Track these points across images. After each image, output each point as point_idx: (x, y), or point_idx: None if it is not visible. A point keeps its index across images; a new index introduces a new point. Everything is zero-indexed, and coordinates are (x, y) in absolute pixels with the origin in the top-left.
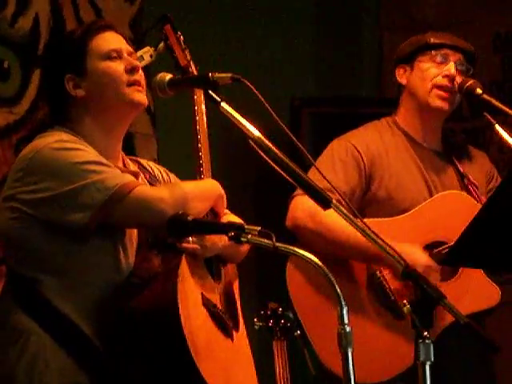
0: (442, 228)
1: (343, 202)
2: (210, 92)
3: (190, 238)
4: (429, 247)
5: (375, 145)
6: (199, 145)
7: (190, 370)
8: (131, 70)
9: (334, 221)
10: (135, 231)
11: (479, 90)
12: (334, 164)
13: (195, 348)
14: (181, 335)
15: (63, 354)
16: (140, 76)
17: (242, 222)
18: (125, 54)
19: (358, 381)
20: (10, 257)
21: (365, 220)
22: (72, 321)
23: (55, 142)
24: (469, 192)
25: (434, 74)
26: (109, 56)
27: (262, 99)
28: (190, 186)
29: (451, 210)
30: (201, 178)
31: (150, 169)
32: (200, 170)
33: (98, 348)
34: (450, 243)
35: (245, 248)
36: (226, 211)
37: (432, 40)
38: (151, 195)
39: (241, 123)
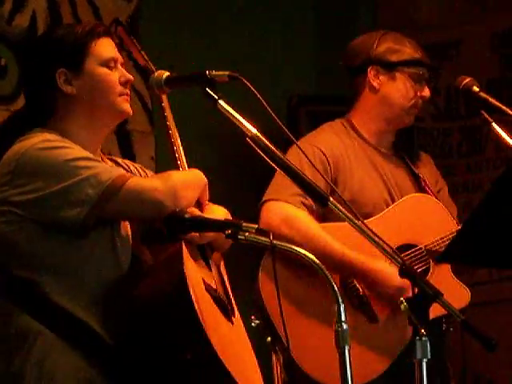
0: (410, 231)
1: (314, 206)
2: (208, 90)
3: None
4: (399, 250)
5: (338, 148)
6: (174, 147)
7: (206, 354)
8: (124, 83)
9: (308, 227)
10: (128, 224)
11: (476, 88)
12: (303, 169)
13: (210, 332)
14: (195, 319)
15: (71, 352)
16: (128, 88)
17: (226, 211)
18: (119, 65)
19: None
20: (6, 260)
21: (333, 224)
22: (78, 317)
23: (41, 141)
24: (426, 193)
25: (413, 95)
26: (107, 64)
27: (260, 97)
28: (179, 176)
29: (418, 212)
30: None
31: (126, 167)
32: (177, 163)
33: (106, 342)
34: (420, 245)
35: None
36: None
37: (419, 57)
38: (145, 186)
39: (238, 121)
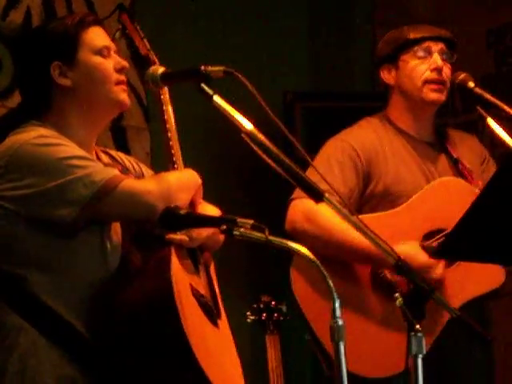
0: (439, 216)
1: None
2: (203, 85)
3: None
4: (428, 236)
5: (371, 142)
6: (170, 142)
7: (188, 361)
8: (120, 70)
9: (331, 222)
10: (118, 224)
11: (471, 84)
12: (332, 165)
13: (192, 339)
14: (179, 325)
15: (55, 350)
16: (125, 76)
17: (218, 211)
18: (112, 52)
19: (364, 374)
20: None
21: (363, 216)
22: (62, 316)
23: (36, 137)
24: (463, 177)
25: (421, 71)
26: (101, 52)
27: (255, 93)
28: (173, 178)
29: (447, 196)
30: (173, 168)
31: (120, 160)
32: (172, 160)
33: (89, 342)
34: (449, 230)
35: (222, 237)
36: (201, 200)
37: (411, 35)
38: (138, 188)
39: (233, 117)
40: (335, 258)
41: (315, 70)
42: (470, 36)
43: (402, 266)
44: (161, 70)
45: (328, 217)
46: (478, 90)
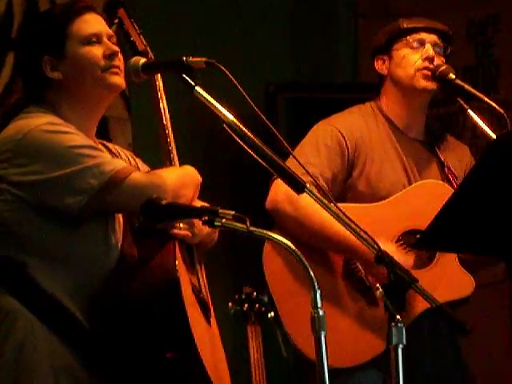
0: (419, 216)
1: (326, 187)
2: (185, 76)
3: (181, 225)
4: (405, 235)
5: (359, 130)
6: (166, 131)
7: (189, 355)
8: (110, 56)
9: (313, 208)
10: (120, 216)
11: (452, 75)
12: (319, 148)
13: (195, 332)
14: (185, 318)
15: (52, 337)
16: (119, 60)
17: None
18: (104, 38)
19: (331, 365)
20: None
21: (344, 205)
22: (61, 303)
23: (46, 123)
24: (449, 181)
25: (414, 60)
26: (89, 41)
27: (237, 84)
28: (179, 173)
29: (429, 198)
30: (171, 164)
31: (117, 153)
32: (169, 156)
33: (87, 330)
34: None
35: (216, 234)
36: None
37: (405, 25)
38: (147, 182)
39: (215, 107)
40: (311, 243)
41: (297, 61)
42: (451, 27)
43: (382, 257)
44: (142, 60)
45: (310, 202)
46: (458, 82)
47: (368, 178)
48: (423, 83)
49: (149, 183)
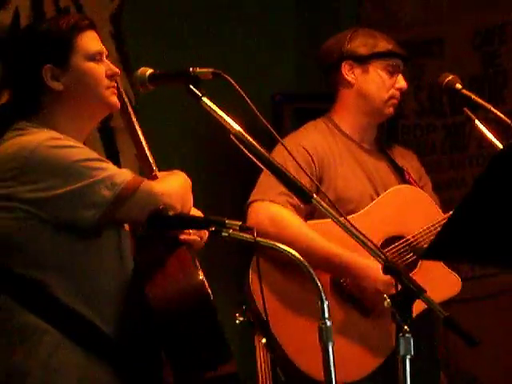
0: (397, 223)
1: (302, 205)
2: (191, 87)
3: (190, 230)
4: (386, 243)
5: (322, 147)
6: (147, 151)
7: (225, 357)
8: (111, 76)
9: (294, 225)
10: (127, 225)
11: (459, 86)
12: (288, 167)
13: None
14: (216, 322)
15: (78, 350)
16: (115, 81)
17: (199, 212)
18: (104, 57)
19: (319, 378)
20: (6, 258)
21: (322, 221)
22: (84, 316)
23: (50, 139)
24: (410, 184)
25: (389, 86)
26: (93, 57)
27: (243, 94)
28: (180, 179)
29: (404, 203)
30: (153, 176)
31: None
32: (152, 169)
33: (114, 341)
34: (407, 237)
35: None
36: None
37: (391, 48)
38: (158, 190)
39: (222, 118)
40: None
41: (303, 71)
42: (458, 38)
43: (390, 267)
44: (149, 71)
45: (293, 222)
46: (465, 92)
47: (335, 192)
48: (391, 111)
49: (160, 191)
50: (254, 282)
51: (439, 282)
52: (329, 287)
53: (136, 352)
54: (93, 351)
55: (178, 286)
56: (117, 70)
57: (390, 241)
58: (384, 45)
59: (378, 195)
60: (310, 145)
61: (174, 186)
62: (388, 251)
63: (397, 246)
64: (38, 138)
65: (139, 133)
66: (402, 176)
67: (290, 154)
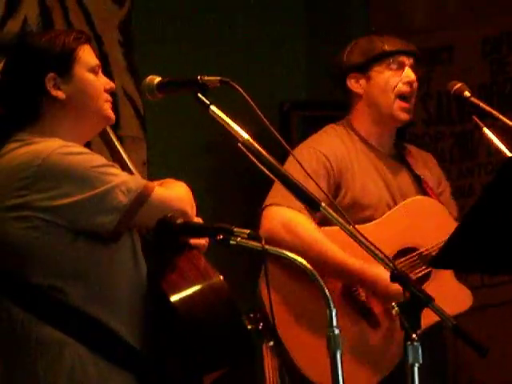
0: (412, 234)
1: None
2: (199, 95)
3: None
4: (400, 254)
5: (341, 152)
6: (126, 159)
7: (250, 360)
8: (109, 90)
9: (308, 231)
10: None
11: (467, 93)
12: (305, 173)
13: None
14: (242, 324)
15: (101, 360)
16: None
17: (202, 221)
18: (100, 72)
19: None
20: (22, 268)
21: (333, 228)
22: (106, 325)
23: (62, 146)
24: (427, 195)
25: (394, 84)
26: (94, 70)
27: (251, 102)
28: (183, 185)
29: (421, 215)
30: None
31: None
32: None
33: (135, 349)
34: (421, 249)
35: None
36: None
37: (387, 47)
38: (170, 195)
39: (230, 126)
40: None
41: (312, 80)
42: (466, 45)
43: (398, 275)
44: (157, 79)
45: (307, 228)
46: (473, 100)
47: (353, 198)
48: (402, 116)
49: (172, 197)
50: (264, 287)
51: (451, 296)
52: (340, 296)
53: (157, 357)
54: (115, 361)
55: (198, 287)
56: (113, 85)
57: (404, 252)
58: (379, 46)
59: (395, 202)
60: (328, 150)
61: (182, 192)
62: (401, 263)
63: (409, 258)
64: (49, 146)
65: (117, 145)
66: (419, 184)
67: (300, 163)
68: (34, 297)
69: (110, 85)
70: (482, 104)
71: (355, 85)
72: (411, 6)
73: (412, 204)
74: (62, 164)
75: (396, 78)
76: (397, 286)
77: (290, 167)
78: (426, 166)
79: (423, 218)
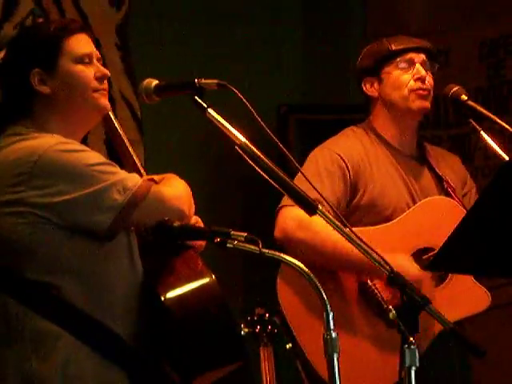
0: (429, 234)
1: (331, 212)
2: (197, 98)
3: None
4: (417, 254)
5: (358, 153)
6: (131, 152)
7: (241, 357)
8: (100, 78)
9: (324, 230)
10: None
11: (464, 97)
12: (320, 174)
13: None
14: (232, 322)
15: (94, 356)
16: (106, 83)
17: (199, 220)
18: (94, 60)
19: None
20: (17, 264)
21: (354, 229)
22: (99, 321)
23: (58, 143)
24: (449, 195)
25: (406, 81)
26: (81, 60)
27: (249, 106)
28: (182, 182)
29: (437, 215)
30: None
31: None
32: (138, 171)
33: (129, 346)
34: (438, 249)
35: None
36: None
37: (393, 47)
38: (168, 194)
39: (227, 129)
40: (324, 266)
41: (309, 83)
42: (463, 48)
43: (394, 279)
44: (154, 82)
45: (321, 225)
46: (470, 103)
47: (371, 199)
48: (418, 103)
49: (170, 195)
50: (281, 287)
51: (468, 296)
52: (356, 294)
53: (149, 356)
54: (107, 356)
55: (191, 286)
56: (106, 71)
57: (421, 252)
58: (385, 47)
59: (415, 203)
60: (344, 151)
61: (180, 190)
62: (416, 263)
63: (425, 258)
64: (46, 142)
65: (124, 138)
66: (441, 185)
67: (300, 169)
68: (29, 291)
69: (102, 72)
70: (478, 107)
71: (370, 89)
72: (408, 9)
73: (429, 204)
74: (58, 161)
75: (407, 76)
76: (415, 275)
77: (306, 167)
78: (450, 167)
79: (440, 218)
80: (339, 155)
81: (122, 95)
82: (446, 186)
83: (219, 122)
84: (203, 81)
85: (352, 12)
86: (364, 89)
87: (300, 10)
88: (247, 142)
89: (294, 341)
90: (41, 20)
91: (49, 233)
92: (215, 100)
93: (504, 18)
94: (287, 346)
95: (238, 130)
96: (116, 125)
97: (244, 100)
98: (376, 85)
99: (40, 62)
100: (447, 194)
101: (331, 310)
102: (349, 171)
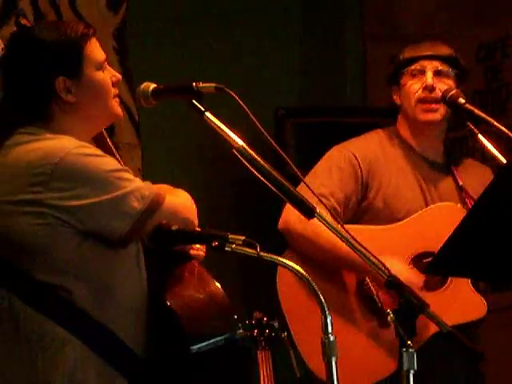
0: (432, 239)
1: (338, 208)
2: (194, 102)
3: (198, 245)
4: (418, 257)
5: (374, 153)
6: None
7: (250, 366)
8: (116, 83)
9: (323, 227)
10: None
11: (462, 100)
12: (331, 170)
13: None
14: (240, 342)
15: (101, 362)
16: (117, 88)
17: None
18: (106, 64)
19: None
20: (29, 263)
21: (357, 226)
22: (106, 327)
23: (79, 147)
24: (465, 205)
25: (415, 90)
26: (101, 66)
27: (246, 109)
28: (185, 192)
29: (444, 221)
30: None
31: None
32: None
33: (135, 354)
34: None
35: None
36: None
37: (404, 56)
38: (180, 204)
39: (225, 132)
40: (323, 262)
41: (306, 86)
42: (460, 51)
43: (393, 282)
44: (152, 86)
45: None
46: (468, 106)
47: (385, 199)
48: (423, 117)
49: (182, 205)
50: (280, 281)
51: (465, 303)
52: (354, 290)
53: (156, 366)
54: (112, 364)
55: (197, 296)
56: (120, 76)
57: (421, 256)
58: (399, 56)
59: None
60: (359, 150)
61: (187, 200)
62: (416, 267)
63: (425, 262)
64: (65, 144)
65: (114, 150)
66: (462, 195)
67: (297, 172)
68: (38, 292)
69: (117, 77)
70: (476, 110)
71: (395, 96)
72: (405, 13)
73: (437, 209)
74: (79, 165)
75: (417, 85)
76: (406, 278)
77: (319, 163)
78: (477, 178)
79: (445, 225)
80: (353, 153)
81: (120, 99)
82: (464, 195)
83: (217, 125)
84: (201, 84)
85: (349, 14)
86: (393, 97)
87: (298, 14)
88: (245, 145)
89: (289, 335)
90: (24, 21)
91: (64, 235)
92: (212, 103)
93: (501, 21)
94: (283, 335)
95: (236, 134)
96: (108, 141)
97: (241, 103)
98: (398, 92)
99: (65, 70)
100: (464, 204)
101: (329, 314)
102: (361, 169)
